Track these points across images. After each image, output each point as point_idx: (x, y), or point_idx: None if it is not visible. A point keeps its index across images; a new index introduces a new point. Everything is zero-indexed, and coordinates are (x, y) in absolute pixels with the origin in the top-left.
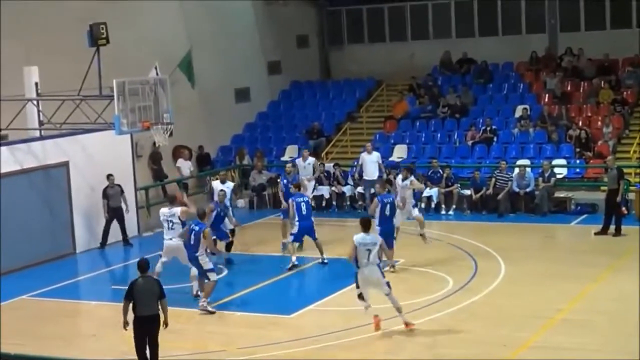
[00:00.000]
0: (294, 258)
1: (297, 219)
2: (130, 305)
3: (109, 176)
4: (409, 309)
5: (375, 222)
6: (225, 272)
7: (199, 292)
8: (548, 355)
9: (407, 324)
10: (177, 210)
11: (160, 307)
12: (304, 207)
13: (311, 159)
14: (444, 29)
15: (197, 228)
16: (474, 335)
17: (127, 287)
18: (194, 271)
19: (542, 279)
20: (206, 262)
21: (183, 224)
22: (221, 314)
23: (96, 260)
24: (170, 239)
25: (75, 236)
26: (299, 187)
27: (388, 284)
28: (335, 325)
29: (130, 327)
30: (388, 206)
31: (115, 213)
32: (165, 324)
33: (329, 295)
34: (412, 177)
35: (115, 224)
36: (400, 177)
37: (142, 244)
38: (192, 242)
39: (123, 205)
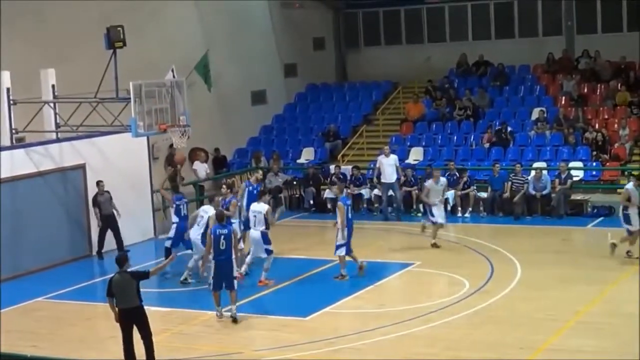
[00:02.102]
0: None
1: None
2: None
3: (98, 182)
4: (425, 311)
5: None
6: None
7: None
8: (566, 358)
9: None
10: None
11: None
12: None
13: (443, 180)
14: (461, 31)
15: (225, 231)
16: (490, 338)
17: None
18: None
19: (559, 282)
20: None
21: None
22: (238, 316)
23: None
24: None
25: (92, 238)
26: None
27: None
28: (350, 328)
29: None
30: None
31: (107, 221)
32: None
33: (344, 298)
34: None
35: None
36: (631, 184)
37: (157, 246)
38: (223, 247)
39: (115, 212)
